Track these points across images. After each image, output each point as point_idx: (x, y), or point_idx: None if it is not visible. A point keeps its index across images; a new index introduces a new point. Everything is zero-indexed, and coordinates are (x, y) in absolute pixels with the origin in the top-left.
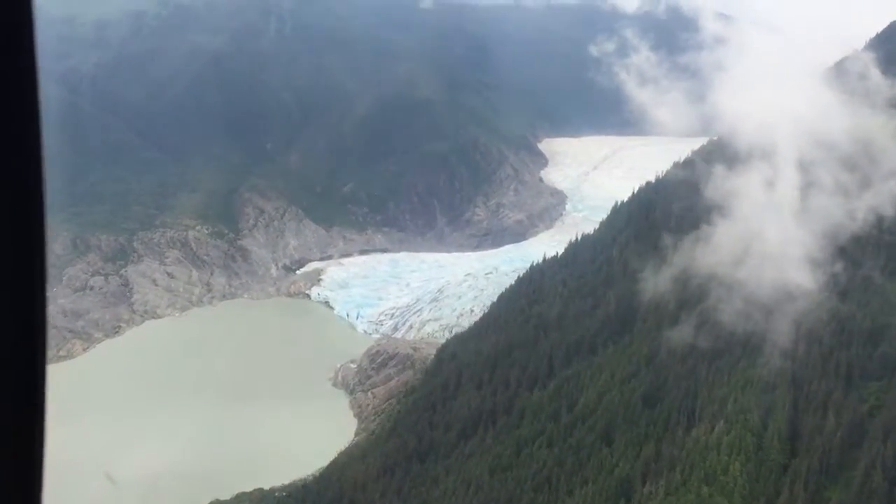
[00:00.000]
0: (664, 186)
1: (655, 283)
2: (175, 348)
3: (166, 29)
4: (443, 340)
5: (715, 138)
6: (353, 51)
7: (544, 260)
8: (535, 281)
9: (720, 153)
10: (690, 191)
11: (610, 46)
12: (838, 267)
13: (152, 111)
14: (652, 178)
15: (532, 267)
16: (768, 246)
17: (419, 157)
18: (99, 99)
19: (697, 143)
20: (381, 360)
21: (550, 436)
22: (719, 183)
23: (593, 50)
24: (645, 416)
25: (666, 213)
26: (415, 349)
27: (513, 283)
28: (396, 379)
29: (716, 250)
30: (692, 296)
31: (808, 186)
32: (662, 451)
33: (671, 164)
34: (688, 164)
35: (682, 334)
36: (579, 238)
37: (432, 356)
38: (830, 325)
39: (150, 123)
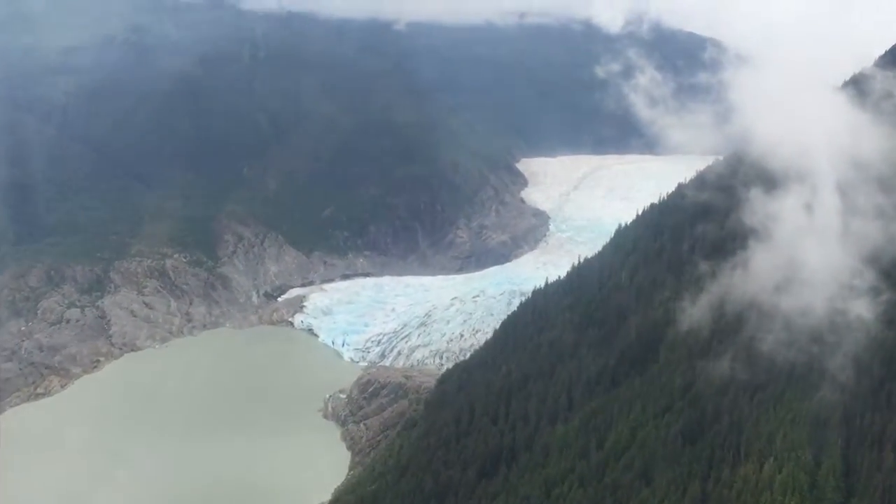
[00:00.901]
0: (671, 208)
1: (679, 310)
2: (156, 382)
3: (137, 55)
4: (434, 367)
5: (720, 158)
6: (327, 75)
7: (546, 284)
8: (539, 307)
9: (730, 174)
10: (704, 213)
11: (583, 66)
12: (888, 294)
13: (125, 138)
14: (649, 200)
15: (535, 292)
16: (803, 271)
17: (399, 179)
18: (70, 127)
19: (673, 161)
20: (372, 389)
21: (581, 474)
22: (735, 204)
23: (566, 69)
24: (686, 453)
25: (678, 236)
26: (407, 377)
27: (515, 308)
28: (390, 409)
29: (746, 275)
30: (726, 324)
31: (836, 207)
32: (709, 490)
33: (655, 184)
34: (695, 185)
35: (718, 365)
36: (581, 261)
37: (426, 385)
38: (879, 353)
39: (123, 151)
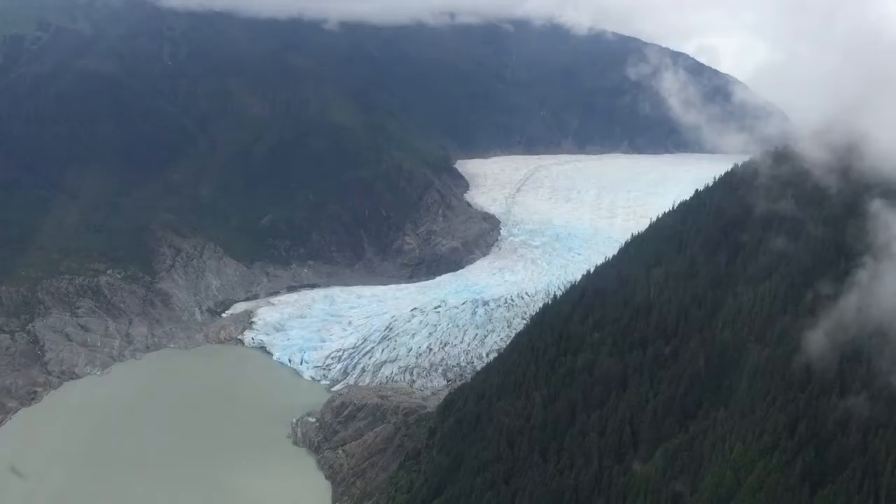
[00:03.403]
0: (693, 216)
1: (755, 334)
2: (103, 413)
3: (49, 55)
4: (405, 384)
5: (748, 158)
6: (256, 75)
7: (554, 299)
8: (555, 325)
9: (759, 178)
10: (739, 221)
11: (513, 66)
12: None
13: (41, 144)
14: (593, 201)
15: (545, 307)
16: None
17: (341, 184)
18: None
19: (605, 161)
20: (347, 412)
21: None
22: (765, 210)
23: (496, 69)
24: (819, 500)
25: (710, 248)
26: (382, 398)
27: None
28: (372, 434)
29: (843, 294)
30: (833, 351)
31: None
32: None
33: (595, 183)
34: (719, 188)
35: (828, 399)
36: (591, 274)
37: (406, 406)
38: None
39: (39, 158)
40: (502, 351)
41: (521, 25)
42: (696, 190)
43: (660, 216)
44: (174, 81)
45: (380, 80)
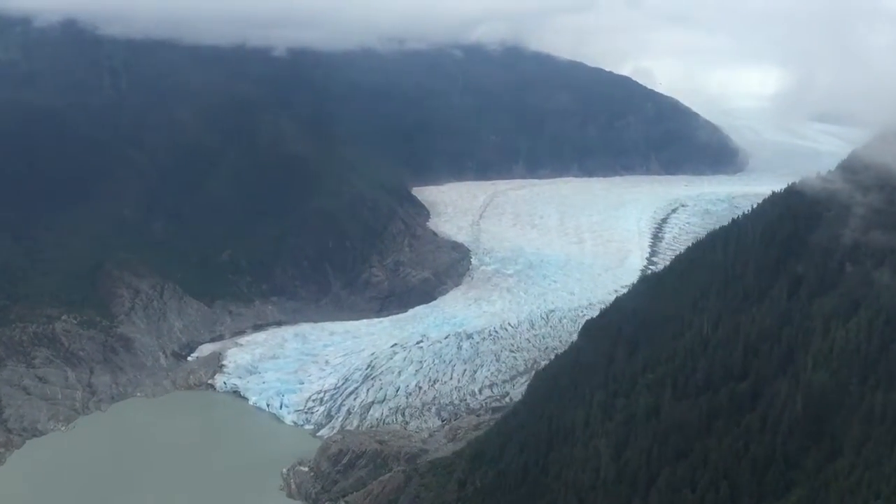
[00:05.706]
0: (732, 243)
1: (861, 374)
2: (74, 472)
3: None
4: (398, 426)
5: (796, 182)
6: (203, 104)
7: (587, 335)
8: (598, 365)
9: (805, 200)
10: (796, 248)
11: (460, 91)
12: None
13: None
14: (557, 226)
15: (574, 344)
16: None
17: (301, 215)
18: None
19: (558, 185)
20: (346, 460)
21: None
22: (827, 237)
23: (446, 95)
24: None
25: (767, 275)
26: (381, 443)
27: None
28: (378, 483)
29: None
30: None
31: None
32: None
33: (556, 209)
34: (762, 214)
35: None
36: (619, 306)
37: (408, 451)
38: None
39: None
40: (524, 394)
41: (470, 51)
42: (733, 217)
43: (704, 238)
44: (118, 112)
45: (329, 108)
